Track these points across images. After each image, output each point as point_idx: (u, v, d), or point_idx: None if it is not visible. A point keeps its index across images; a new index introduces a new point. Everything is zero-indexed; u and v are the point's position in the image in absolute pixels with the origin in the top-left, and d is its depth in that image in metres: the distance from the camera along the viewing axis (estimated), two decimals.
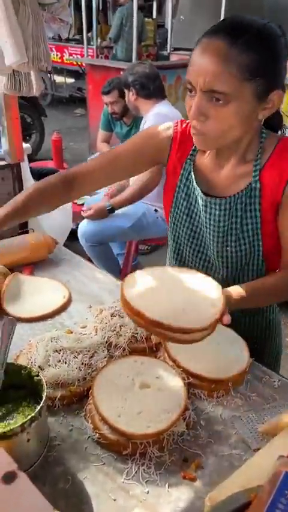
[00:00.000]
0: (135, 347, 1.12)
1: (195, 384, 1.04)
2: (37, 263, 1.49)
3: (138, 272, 1.00)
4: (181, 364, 1.05)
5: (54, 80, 9.12)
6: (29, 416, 0.78)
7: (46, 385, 0.98)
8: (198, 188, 1.16)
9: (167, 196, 1.26)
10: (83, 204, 3.24)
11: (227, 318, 0.91)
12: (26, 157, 1.76)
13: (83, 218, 2.87)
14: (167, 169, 1.25)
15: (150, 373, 1.01)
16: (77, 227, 2.91)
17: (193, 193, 1.18)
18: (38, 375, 0.87)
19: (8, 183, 1.57)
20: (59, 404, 0.99)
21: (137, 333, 1.13)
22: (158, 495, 0.83)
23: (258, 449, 0.89)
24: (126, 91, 2.98)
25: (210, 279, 0.99)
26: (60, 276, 1.46)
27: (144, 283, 0.97)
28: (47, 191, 1.22)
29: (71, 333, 1.14)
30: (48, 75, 8.89)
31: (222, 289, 0.97)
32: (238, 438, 0.94)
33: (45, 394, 0.83)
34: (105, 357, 1.08)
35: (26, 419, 0.77)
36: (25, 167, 1.70)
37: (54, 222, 1.74)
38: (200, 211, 1.17)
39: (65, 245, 1.76)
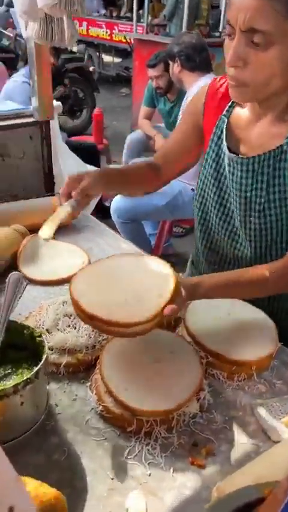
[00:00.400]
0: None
1: (214, 363, 0.94)
2: (59, 228, 1.41)
3: (93, 262, 0.98)
4: (200, 341, 0.95)
5: (102, 59, 9.03)
6: (24, 378, 0.71)
7: (52, 350, 0.92)
8: (225, 146, 1.04)
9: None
10: None
11: (171, 309, 0.79)
12: (56, 116, 1.68)
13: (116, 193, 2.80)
14: (204, 132, 1.14)
15: (166, 348, 0.92)
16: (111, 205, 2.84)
17: (223, 153, 1.06)
18: (40, 336, 0.80)
19: (36, 142, 1.50)
20: (64, 372, 0.92)
21: None
22: (161, 479, 0.75)
23: (279, 441, 0.79)
24: (171, 63, 2.85)
25: (167, 266, 0.90)
26: (82, 243, 1.38)
27: (93, 274, 0.92)
28: (144, 172, 1.20)
29: None
30: (97, 53, 8.81)
31: (192, 277, 0.93)
32: (257, 427, 0.84)
33: (45, 356, 0.76)
34: None
35: (20, 381, 0.70)
36: (54, 126, 1.62)
37: None
38: (227, 173, 1.06)
39: None
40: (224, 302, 1.05)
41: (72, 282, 0.87)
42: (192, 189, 2.86)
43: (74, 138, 3.93)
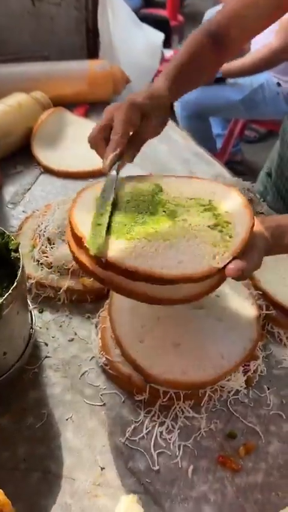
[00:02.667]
0: None
1: (277, 319, 0.64)
2: (96, 104, 1.08)
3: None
4: (262, 285, 0.65)
5: None
6: None
7: (51, 267, 0.66)
8: None
9: None
10: None
11: (237, 268, 0.44)
12: None
13: None
14: None
15: None
16: None
17: None
18: (16, 249, 0.53)
19: (79, 8, 1.08)
20: (64, 299, 0.66)
21: None
22: (173, 481, 0.50)
23: None
24: None
25: (240, 196, 0.53)
26: None
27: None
28: (205, 53, 0.76)
29: None
30: None
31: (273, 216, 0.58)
32: None
33: (17, 280, 0.49)
34: None
35: None
36: None
37: (135, 57, 1.28)
38: None
39: None
40: None
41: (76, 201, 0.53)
42: (279, 84, 2.34)
43: (145, 10, 3.35)
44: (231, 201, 0.52)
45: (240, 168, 2.81)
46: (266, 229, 0.51)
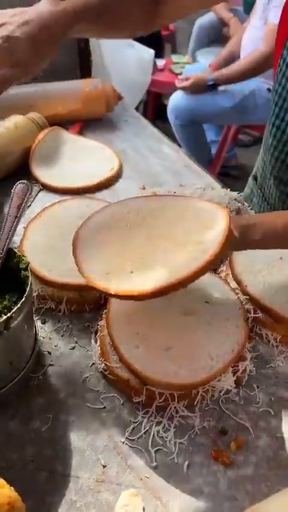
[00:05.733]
0: None
1: (264, 321, 0.68)
2: (90, 121, 1.14)
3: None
4: (249, 290, 0.69)
5: None
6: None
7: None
8: None
9: (283, 29, 0.79)
10: (179, 74, 2.72)
11: None
12: None
13: (176, 89, 2.40)
14: None
15: (199, 294, 0.68)
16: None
17: None
18: (26, 268, 0.57)
19: None
20: (65, 309, 0.71)
21: None
22: (170, 476, 0.55)
23: None
24: None
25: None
26: (115, 143, 1.10)
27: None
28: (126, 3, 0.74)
29: None
30: None
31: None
32: None
33: (26, 295, 0.54)
34: None
35: None
36: None
37: (126, 74, 1.33)
38: None
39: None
40: None
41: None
42: (269, 89, 2.39)
43: None
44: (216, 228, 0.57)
45: (235, 173, 2.86)
46: (235, 228, 0.56)
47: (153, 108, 3.09)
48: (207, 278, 0.70)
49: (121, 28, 0.77)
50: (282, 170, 0.87)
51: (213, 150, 2.72)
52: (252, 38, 2.26)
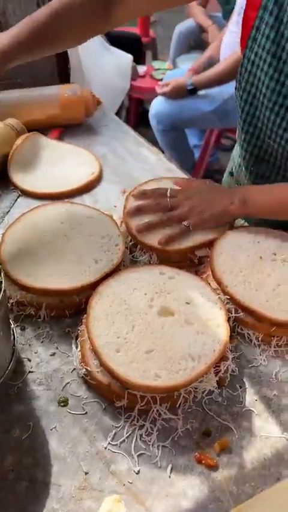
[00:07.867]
0: (170, 255, 0.78)
1: (245, 321, 0.68)
2: (69, 127, 1.13)
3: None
4: (229, 290, 0.69)
5: None
6: None
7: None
8: None
9: (244, 29, 0.80)
10: (160, 80, 2.74)
11: None
12: None
13: (157, 95, 2.42)
14: None
15: (180, 295, 0.67)
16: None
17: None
18: None
19: None
20: (44, 316, 0.70)
21: None
22: (153, 480, 0.54)
23: None
24: None
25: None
26: (95, 147, 1.10)
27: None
28: (76, 9, 0.79)
29: None
30: None
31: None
32: None
33: None
34: (122, 261, 0.75)
35: None
36: None
37: (105, 79, 1.33)
38: None
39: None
40: (268, 237, 0.77)
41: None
42: None
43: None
44: None
45: (219, 177, 2.87)
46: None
47: (136, 114, 3.10)
48: (188, 279, 0.70)
49: (66, 40, 0.81)
50: (257, 164, 0.90)
51: (196, 155, 2.74)
52: (230, 42, 2.29)
